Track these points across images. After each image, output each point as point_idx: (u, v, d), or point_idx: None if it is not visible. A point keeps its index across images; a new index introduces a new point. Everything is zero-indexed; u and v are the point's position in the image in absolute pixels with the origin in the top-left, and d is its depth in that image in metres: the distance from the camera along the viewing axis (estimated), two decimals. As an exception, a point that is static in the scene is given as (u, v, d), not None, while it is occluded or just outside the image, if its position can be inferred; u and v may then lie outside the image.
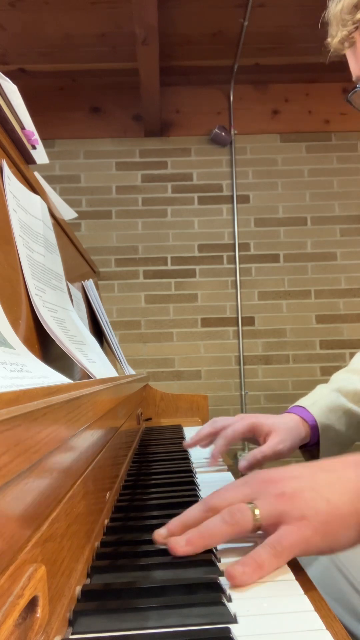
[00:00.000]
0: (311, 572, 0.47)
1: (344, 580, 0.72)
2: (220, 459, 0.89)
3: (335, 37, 0.76)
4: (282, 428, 0.83)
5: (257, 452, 0.81)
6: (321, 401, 0.88)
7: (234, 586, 0.41)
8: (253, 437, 0.86)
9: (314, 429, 0.85)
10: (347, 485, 0.47)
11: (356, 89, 0.77)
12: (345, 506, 0.45)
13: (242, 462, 0.82)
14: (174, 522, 0.48)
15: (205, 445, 0.92)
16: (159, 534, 0.48)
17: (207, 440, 0.90)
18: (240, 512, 0.45)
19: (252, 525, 0.45)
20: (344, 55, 0.78)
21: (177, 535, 0.46)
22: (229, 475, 0.82)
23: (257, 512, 0.45)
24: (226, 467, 0.87)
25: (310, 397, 0.91)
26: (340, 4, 0.74)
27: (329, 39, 0.77)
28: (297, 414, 0.86)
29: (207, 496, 0.49)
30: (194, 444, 0.92)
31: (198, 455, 0.94)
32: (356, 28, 0.74)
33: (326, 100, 2.94)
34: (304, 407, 0.87)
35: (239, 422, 0.85)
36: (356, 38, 0.75)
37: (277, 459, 0.82)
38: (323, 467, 0.50)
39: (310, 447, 0.88)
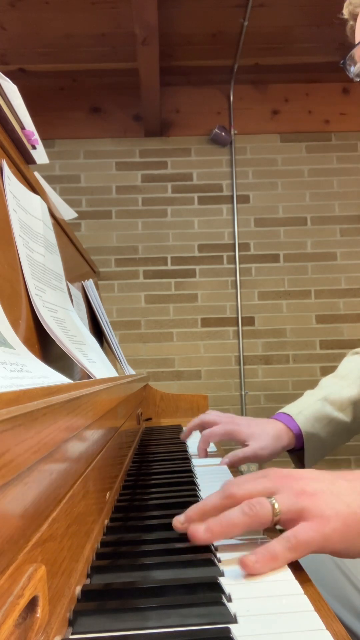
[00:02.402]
0: (311, 571, 0.47)
1: (345, 578, 0.72)
2: (215, 450, 1.00)
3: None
4: (263, 437, 0.88)
5: (240, 452, 0.87)
6: (307, 410, 0.92)
7: (248, 575, 0.43)
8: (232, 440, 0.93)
9: (299, 436, 0.90)
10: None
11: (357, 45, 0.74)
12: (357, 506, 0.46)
13: (224, 459, 0.88)
14: (193, 509, 0.49)
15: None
16: (178, 521, 0.49)
17: (196, 430, 0.98)
18: (260, 504, 0.46)
19: (271, 519, 0.46)
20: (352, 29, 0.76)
21: (196, 521, 0.47)
22: (224, 468, 0.87)
23: (277, 505, 0.46)
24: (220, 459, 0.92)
25: (297, 405, 0.95)
26: None
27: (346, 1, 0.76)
28: (282, 422, 0.91)
29: (226, 484, 0.49)
30: (187, 434, 1.02)
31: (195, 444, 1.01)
32: None
33: (326, 100, 2.94)
34: (290, 416, 0.92)
35: (219, 427, 0.91)
36: None
37: (256, 461, 0.88)
38: (343, 475, 0.50)
39: (297, 451, 0.93)
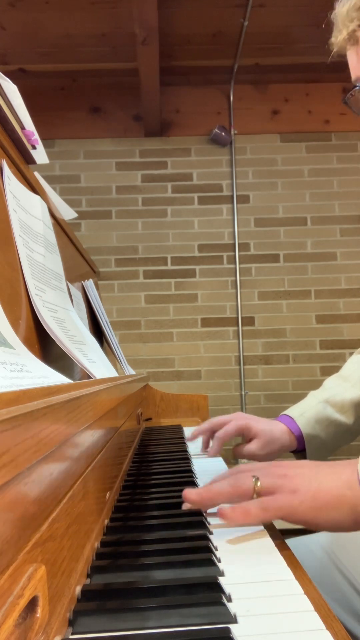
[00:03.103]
0: (311, 572, 0.47)
1: (344, 580, 0.72)
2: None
3: (339, 35, 0.77)
4: (267, 436, 0.90)
5: (241, 448, 0.91)
6: (309, 412, 0.94)
7: (225, 521, 0.53)
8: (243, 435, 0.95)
9: (300, 438, 0.92)
10: (341, 477, 0.54)
11: (355, 88, 0.78)
12: (335, 489, 0.53)
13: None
14: (202, 488, 0.60)
15: (204, 445, 1.01)
16: (187, 489, 0.59)
17: (206, 434, 0.99)
18: (243, 479, 0.56)
19: (252, 493, 0.55)
20: (345, 57, 0.79)
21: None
22: (221, 462, 0.91)
23: (258, 483, 0.55)
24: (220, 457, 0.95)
25: (299, 407, 0.96)
26: (348, 4, 0.75)
27: (332, 39, 0.79)
28: (285, 424, 0.93)
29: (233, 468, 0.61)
30: (194, 437, 1.01)
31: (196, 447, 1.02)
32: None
33: (326, 100, 2.94)
34: (292, 418, 0.93)
35: (231, 424, 0.93)
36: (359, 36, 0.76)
37: (252, 459, 0.91)
38: (327, 464, 0.58)
39: (299, 452, 0.95)
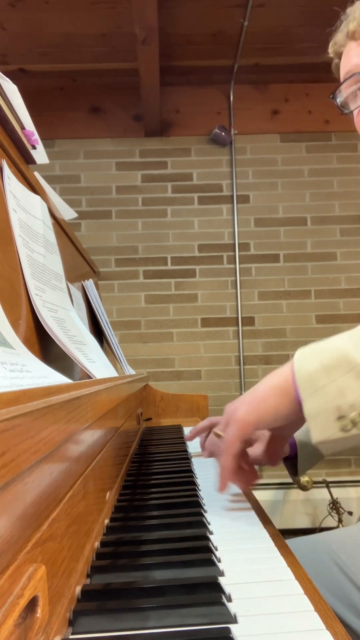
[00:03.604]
0: (311, 570, 0.47)
1: (344, 577, 0.72)
2: None
3: (344, 29, 0.78)
4: (263, 441, 0.89)
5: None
6: None
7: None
8: None
9: (293, 445, 0.92)
10: (273, 377, 0.62)
11: (346, 80, 0.79)
12: (262, 386, 0.61)
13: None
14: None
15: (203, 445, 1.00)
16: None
17: (204, 433, 0.99)
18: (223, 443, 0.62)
19: (223, 445, 0.61)
20: (339, 56, 0.81)
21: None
22: None
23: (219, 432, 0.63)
24: None
25: None
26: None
27: (335, 37, 0.80)
28: None
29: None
30: (193, 436, 1.03)
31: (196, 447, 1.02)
32: None
33: (326, 100, 2.90)
34: None
35: None
36: None
37: (255, 463, 0.90)
38: (263, 381, 0.64)
39: (291, 458, 0.95)
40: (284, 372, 0.61)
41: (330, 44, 0.82)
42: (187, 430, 1.28)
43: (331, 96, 0.83)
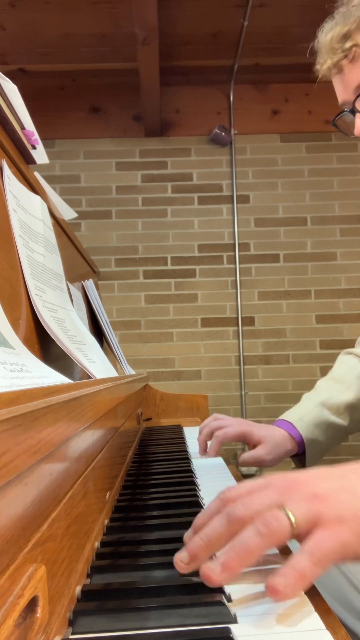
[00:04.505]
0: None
1: (344, 579, 0.72)
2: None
3: (324, 64, 0.81)
4: (271, 442, 0.91)
5: (247, 455, 0.90)
6: (307, 417, 0.94)
7: (277, 600, 0.38)
8: (244, 441, 0.95)
9: (301, 443, 0.93)
10: None
11: (343, 113, 0.81)
12: None
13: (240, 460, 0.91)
14: (196, 542, 0.40)
15: (202, 448, 1.00)
16: (180, 560, 0.41)
17: (209, 439, 0.97)
18: (276, 520, 0.39)
19: (289, 534, 0.39)
20: (331, 82, 0.83)
21: (202, 557, 0.40)
22: (222, 462, 0.91)
23: (292, 517, 0.39)
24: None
25: (297, 411, 0.97)
26: (330, 33, 0.79)
27: (317, 66, 0.83)
28: (285, 430, 0.93)
29: (228, 505, 0.42)
30: (203, 445, 0.98)
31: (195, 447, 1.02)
32: (345, 56, 0.79)
33: (326, 100, 2.92)
34: (291, 424, 0.94)
35: (232, 427, 0.93)
36: (344, 65, 0.80)
37: (259, 466, 0.92)
38: (353, 469, 0.45)
39: (299, 455, 0.96)
40: None
41: (317, 67, 0.84)
42: (187, 430, 1.28)
43: (333, 123, 0.85)
